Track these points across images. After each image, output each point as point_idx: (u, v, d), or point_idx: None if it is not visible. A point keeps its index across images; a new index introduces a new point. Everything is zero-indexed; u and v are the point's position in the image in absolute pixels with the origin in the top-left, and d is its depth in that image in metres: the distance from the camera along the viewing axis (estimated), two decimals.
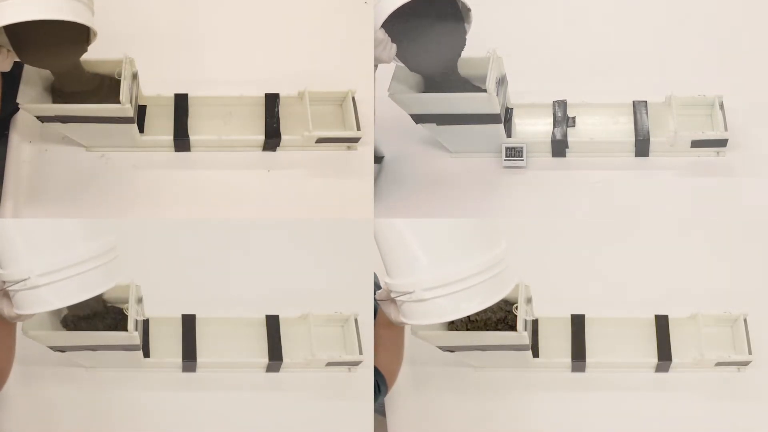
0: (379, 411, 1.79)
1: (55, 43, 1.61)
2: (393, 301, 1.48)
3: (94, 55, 1.75)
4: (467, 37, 1.76)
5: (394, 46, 1.69)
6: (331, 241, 1.99)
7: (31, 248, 1.44)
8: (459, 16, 1.73)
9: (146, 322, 1.80)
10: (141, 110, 1.88)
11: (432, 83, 1.82)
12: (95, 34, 1.59)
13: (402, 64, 1.76)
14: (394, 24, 1.68)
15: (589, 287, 1.92)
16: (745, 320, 1.81)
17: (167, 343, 1.81)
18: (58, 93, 1.76)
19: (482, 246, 1.45)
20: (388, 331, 1.59)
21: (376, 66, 1.72)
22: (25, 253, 1.44)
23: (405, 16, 1.69)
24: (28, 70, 1.74)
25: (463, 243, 1.45)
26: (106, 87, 1.77)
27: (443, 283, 1.43)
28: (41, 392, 1.77)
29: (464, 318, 1.64)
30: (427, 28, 1.74)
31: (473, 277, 1.43)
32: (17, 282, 1.44)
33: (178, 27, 2.04)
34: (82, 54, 1.66)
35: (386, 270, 1.47)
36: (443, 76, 1.80)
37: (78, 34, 1.60)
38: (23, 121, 1.87)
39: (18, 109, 1.78)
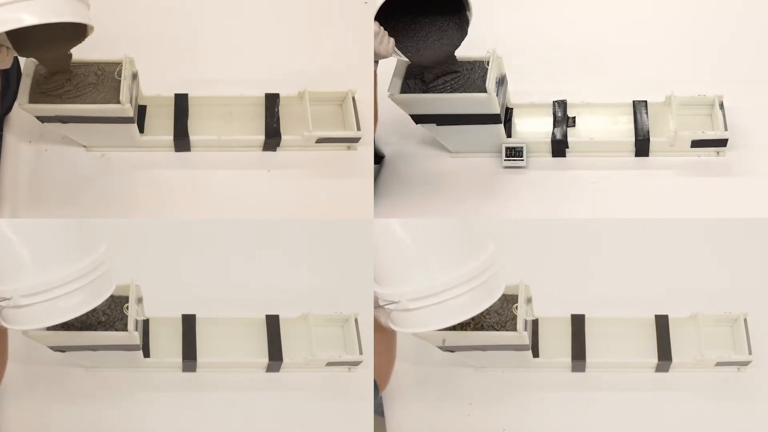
0: (378, 411, 1.79)
1: (54, 37, 1.63)
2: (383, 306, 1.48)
3: (94, 55, 1.75)
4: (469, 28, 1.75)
5: (392, 39, 1.68)
6: (332, 241, 2.00)
7: (17, 266, 1.41)
8: (460, 6, 1.72)
9: (146, 322, 1.80)
10: (141, 110, 1.88)
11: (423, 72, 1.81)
12: (92, 28, 1.60)
13: (403, 58, 1.75)
14: (392, 16, 1.68)
15: (589, 287, 1.92)
16: (745, 320, 1.81)
17: (167, 343, 1.81)
18: (46, 78, 1.76)
19: (469, 253, 1.43)
20: (379, 335, 1.58)
21: (376, 61, 1.72)
22: (10, 272, 1.42)
23: (403, 8, 1.69)
24: (27, 70, 1.74)
25: (450, 250, 1.43)
26: (105, 81, 1.77)
27: (429, 294, 1.41)
28: (41, 392, 1.77)
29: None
30: (426, 19, 1.73)
31: (460, 286, 1.41)
32: (1, 300, 1.43)
33: (178, 27, 2.04)
34: (78, 44, 1.67)
35: (374, 277, 1.47)
36: (443, 66, 1.79)
37: (75, 29, 1.61)
38: (22, 122, 1.87)
39: (11, 108, 1.79)
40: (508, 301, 1.63)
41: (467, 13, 1.72)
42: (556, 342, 1.83)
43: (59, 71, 1.74)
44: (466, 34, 1.74)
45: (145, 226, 1.94)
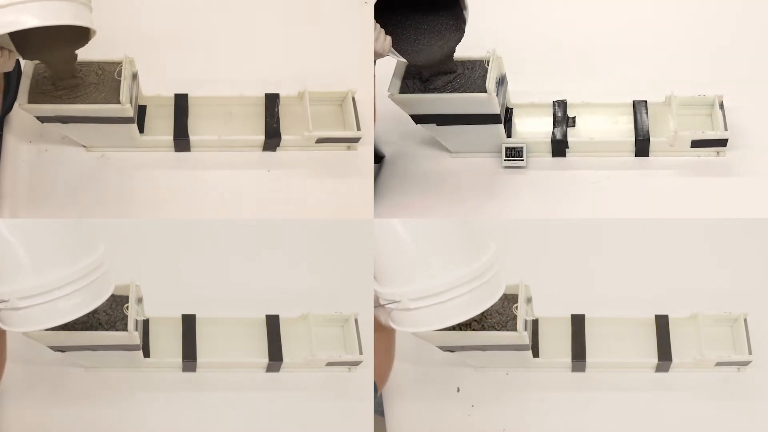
0: (378, 411, 1.79)
1: (57, 40, 1.63)
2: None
3: (94, 55, 1.75)
4: (466, 27, 1.75)
5: (389, 38, 1.68)
6: (332, 241, 2.00)
7: (14, 268, 1.41)
8: (457, 5, 1.72)
9: (146, 322, 1.80)
10: (141, 110, 1.88)
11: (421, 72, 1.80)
12: (94, 32, 1.60)
13: (401, 59, 1.75)
14: (389, 15, 1.67)
15: (589, 287, 1.92)
16: (745, 320, 1.81)
17: (167, 343, 1.81)
18: (54, 85, 1.76)
19: (471, 253, 1.43)
20: (378, 334, 1.58)
21: (374, 60, 1.72)
22: (7, 273, 1.41)
23: (400, 8, 1.69)
24: (27, 70, 1.74)
25: (451, 250, 1.42)
26: (107, 80, 1.77)
27: (430, 294, 1.41)
28: (41, 392, 1.77)
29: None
30: (423, 19, 1.73)
31: (461, 286, 1.41)
32: None
33: (178, 27, 2.04)
34: (81, 47, 1.67)
35: (375, 276, 1.47)
36: (440, 66, 1.79)
37: (78, 31, 1.61)
38: (22, 122, 1.87)
39: (11, 109, 1.78)
40: (509, 300, 1.63)
41: (464, 12, 1.72)
42: (556, 342, 1.83)
43: (64, 76, 1.74)
44: (464, 33, 1.74)
45: (145, 226, 1.94)
